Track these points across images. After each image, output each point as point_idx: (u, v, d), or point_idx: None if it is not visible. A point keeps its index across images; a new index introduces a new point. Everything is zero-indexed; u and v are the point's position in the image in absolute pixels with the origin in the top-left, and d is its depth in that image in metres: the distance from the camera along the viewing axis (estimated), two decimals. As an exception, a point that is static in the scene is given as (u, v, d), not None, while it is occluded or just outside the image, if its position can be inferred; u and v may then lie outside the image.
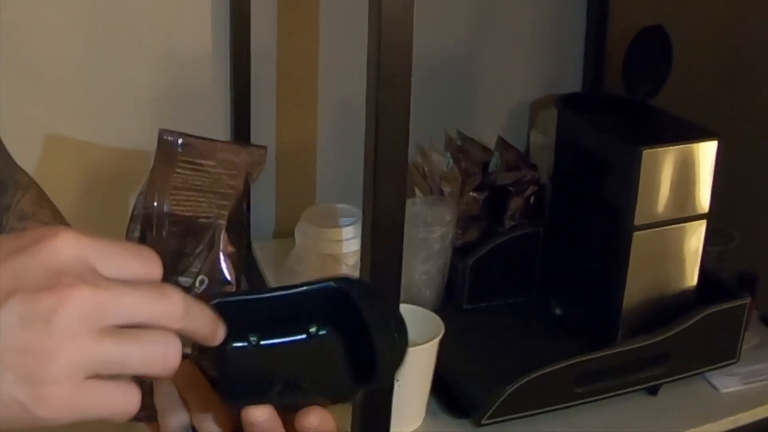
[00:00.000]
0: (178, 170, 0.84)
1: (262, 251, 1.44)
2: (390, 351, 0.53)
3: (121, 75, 1.36)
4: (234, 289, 0.97)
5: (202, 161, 0.86)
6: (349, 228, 1.26)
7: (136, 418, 0.59)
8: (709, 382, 1.20)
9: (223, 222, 0.83)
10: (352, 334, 0.53)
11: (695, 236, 1.18)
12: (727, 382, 1.20)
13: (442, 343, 1.08)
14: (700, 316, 1.17)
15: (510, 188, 1.31)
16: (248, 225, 1.43)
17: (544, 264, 1.32)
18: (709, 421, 1.15)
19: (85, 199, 1.38)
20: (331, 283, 0.54)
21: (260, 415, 0.51)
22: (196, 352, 0.52)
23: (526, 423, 1.11)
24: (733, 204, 1.26)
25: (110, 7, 1.32)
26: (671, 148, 1.14)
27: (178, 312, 0.46)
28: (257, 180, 0.90)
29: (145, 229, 0.81)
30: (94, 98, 1.36)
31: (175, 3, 1.36)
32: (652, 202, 1.14)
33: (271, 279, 1.37)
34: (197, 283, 0.84)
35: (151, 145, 0.91)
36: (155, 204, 0.83)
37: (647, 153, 1.12)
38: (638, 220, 1.14)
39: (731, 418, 1.16)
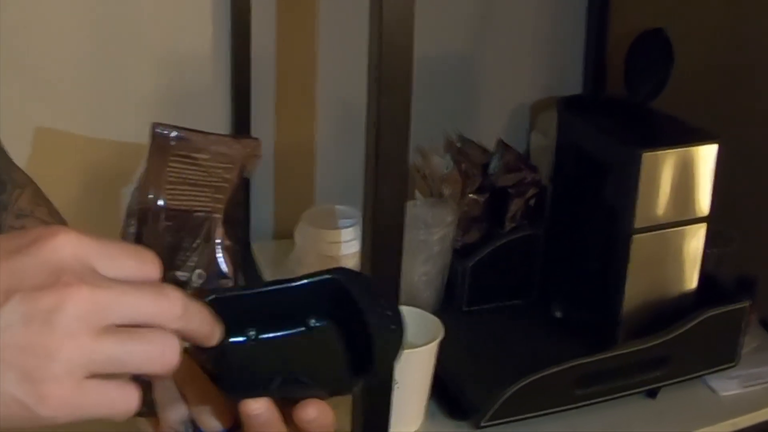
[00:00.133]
0: (172, 164, 0.84)
1: (261, 252, 1.44)
2: (387, 342, 0.53)
3: (121, 75, 1.36)
4: (232, 283, 0.97)
5: (196, 155, 0.85)
6: (349, 230, 1.26)
7: (137, 413, 0.59)
8: (709, 386, 1.20)
9: (219, 216, 0.82)
10: (350, 326, 0.53)
11: (695, 239, 1.18)
12: (727, 385, 1.20)
13: (441, 345, 1.08)
14: (699, 319, 1.17)
15: (510, 190, 1.31)
16: (248, 219, 1.43)
17: (544, 266, 1.32)
18: (709, 425, 1.15)
19: (84, 198, 1.38)
20: (328, 275, 0.54)
21: (257, 407, 0.51)
22: (194, 347, 0.52)
23: (525, 425, 1.11)
24: (733, 207, 1.26)
25: (111, 7, 1.32)
26: (671, 150, 1.14)
27: (177, 312, 0.46)
28: (254, 175, 0.89)
29: (141, 224, 0.80)
30: (94, 98, 1.36)
31: (175, 3, 1.36)
32: (652, 204, 1.14)
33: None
34: (195, 277, 0.84)
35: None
36: (150, 197, 0.83)
37: (647, 156, 1.12)
38: (638, 223, 1.14)
39: (730, 422, 1.16)
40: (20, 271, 0.43)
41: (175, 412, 0.56)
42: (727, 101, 1.43)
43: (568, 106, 1.29)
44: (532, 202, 1.32)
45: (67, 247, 0.44)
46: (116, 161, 1.36)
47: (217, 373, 0.53)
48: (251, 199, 1.43)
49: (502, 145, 1.35)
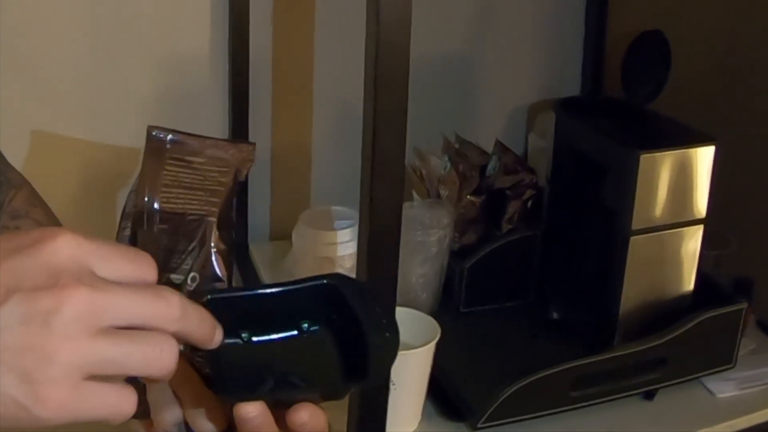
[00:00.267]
0: (167, 167, 0.84)
1: (258, 253, 1.44)
2: (382, 349, 0.53)
3: (119, 76, 1.36)
4: (225, 287, 0.97)
5: (191, 158, 0.85)
6: (347, 231, 1.26)
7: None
8: (706, 387, 1.20)
9: (214, 219, 0.82)
10: (345, 331, 0.54)
11: (692, 241, 1.18)
12: (724, 387, 1.20)
13: (438, 346, 1.08)
14: (696, 321, 1.17)
15: (508, 192, 1.31)
16: (245, 223, 1.43)
17: (541, 268, 1.32)
18: (706, 426, 1.15)
19: (81, 198, 1.38)
20: (324, 280, 0.54)
21: (251, 410, 0.51)
22: (188, 349, 0.52)
23: (522, 427, 1.11)
24: (731, 208, 1.26)
25: (109, 9, 1.32)
26: (669, 152, 1.14)
27: (175, 314, 0.46)
28: (249, 178, 0.89)
29: (136, 227, 0.80)
30: (92, 98, 1.36)
31: (173, 4, 1.36)
32: (650, 206, 1.14)
33: (268, 281, 1.37)
34: (189, 280, 0.84)
35: (148, 146, 0.91)
36: (146, 200, 0.83)
37: (644, 157, 1.12)
38: (635, 225, 1.14)
39: (727, 423, 1.16)
40: (20, 271, 0.43)
41: (170, 415, 0.56)
42: (725, 103, 1.43)
43: (566, 107, 1.29)
44: (529, 203, 1.32)
45: (66, 249, 0.44)
46: (113, 164, 1.36)
47: (210, 374, 0.53)
48: (248, 200, 1.43)
49: (500, 147, 1.35)
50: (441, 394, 1.15)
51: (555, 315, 1.29)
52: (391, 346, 0.53)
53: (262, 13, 1.40)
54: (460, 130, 1.41)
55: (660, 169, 1.13)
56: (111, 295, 0.44)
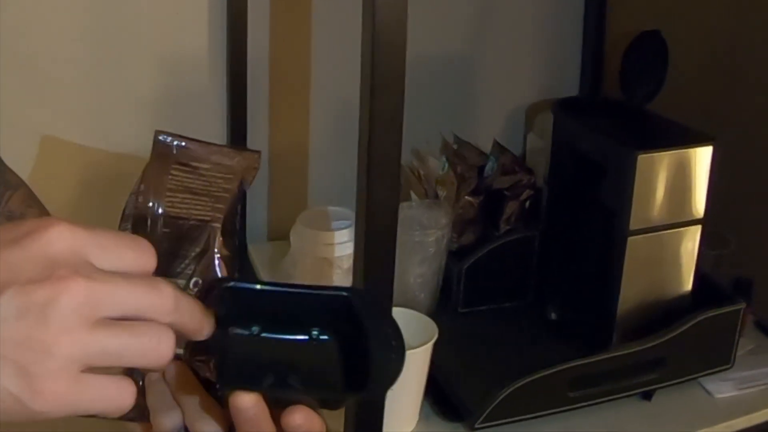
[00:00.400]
0: (173, 172, 0.84)
1: (257, 253, 1.44)
2: (386, 367, 0.54)
3: (117, 77, 1.36)
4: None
5: (197, 164, 0.85)
6: (344, 231, 1.26)
7: (128, 418, 0.59)
8: (704, 388, 1.20)
9: (218, 225, 0.82)
10: (351, 344, 0.54)
11: (690, 241, 1.18)
12: (722, 387, 1.20)
13: (436, 347, 1.08)
14: (694, 321, 1.17)
15: (506, 192, 1.31)
16: (243, 229, 1.43)
17: (539, 268, 1.32)
18: (704, 427, 1.14)
19: (80, 199, 1.38)
20: (344, 293, 0.55)
21: (248, 401, 0.51)
22: (188, 353, 0.53)
23: (520, 427, 1.11)
24: (729, 208, 1.26)
25: (108, 10, 1.33)
26: (667, 152, 1.13)
27: (169, 305, 0.46)
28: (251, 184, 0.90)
29: (136, 229, 0.80)
30: (90, 99, 1.36)
31: (172, 5, 1.36)
32: (648, 206, 1.14)
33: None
34: (191, 285, 0.84)
35: (147, 146, 0.91)
36: (149, 205, 0.83)
37: (643, 157, 1.12)
38: (633, 225, 1.14)
39: (726, 424, 1.15)
40: (14, 264, 0.43)
41: (169, 419, 0.56)
42: (724, 103, 1.43)
43: (565, 107, 1.29)
44: (527, 204, 1.32)
45: (61, 239, 0.44)
46: (113, 164, 1.36)
47: (213, 361, 0.53)
48: (247, 200, 1.43)
49: (498, 147, 1.35)
50: (439, 395, 1.15)
51: (553, 315, 1.29)
52: (395, 366, 0.54)
53: (259, 14, 1.40)
54: (458, 131, 1.41)
55: (658, 169, 1.13)
56: (107, 286, 0.44)
